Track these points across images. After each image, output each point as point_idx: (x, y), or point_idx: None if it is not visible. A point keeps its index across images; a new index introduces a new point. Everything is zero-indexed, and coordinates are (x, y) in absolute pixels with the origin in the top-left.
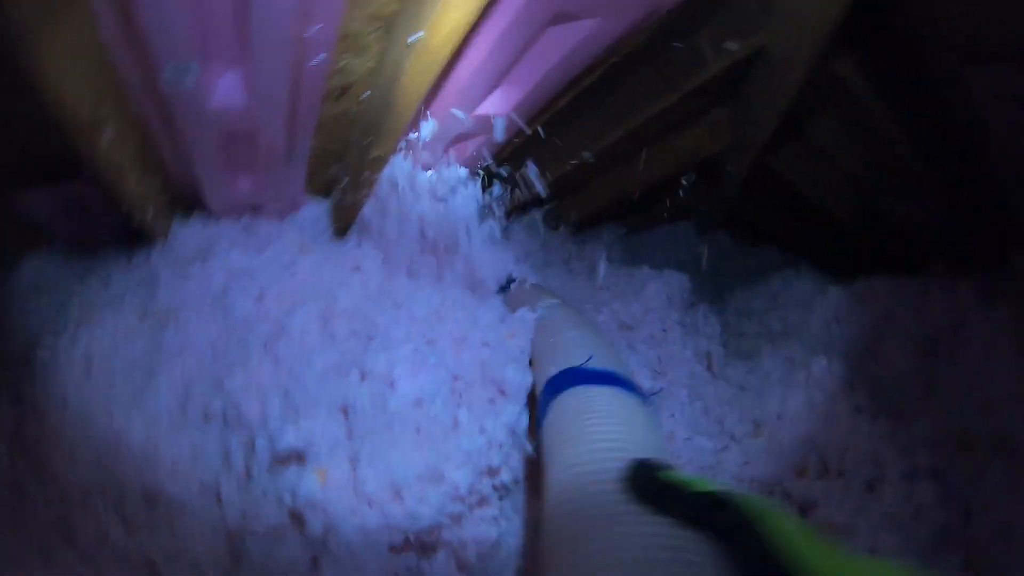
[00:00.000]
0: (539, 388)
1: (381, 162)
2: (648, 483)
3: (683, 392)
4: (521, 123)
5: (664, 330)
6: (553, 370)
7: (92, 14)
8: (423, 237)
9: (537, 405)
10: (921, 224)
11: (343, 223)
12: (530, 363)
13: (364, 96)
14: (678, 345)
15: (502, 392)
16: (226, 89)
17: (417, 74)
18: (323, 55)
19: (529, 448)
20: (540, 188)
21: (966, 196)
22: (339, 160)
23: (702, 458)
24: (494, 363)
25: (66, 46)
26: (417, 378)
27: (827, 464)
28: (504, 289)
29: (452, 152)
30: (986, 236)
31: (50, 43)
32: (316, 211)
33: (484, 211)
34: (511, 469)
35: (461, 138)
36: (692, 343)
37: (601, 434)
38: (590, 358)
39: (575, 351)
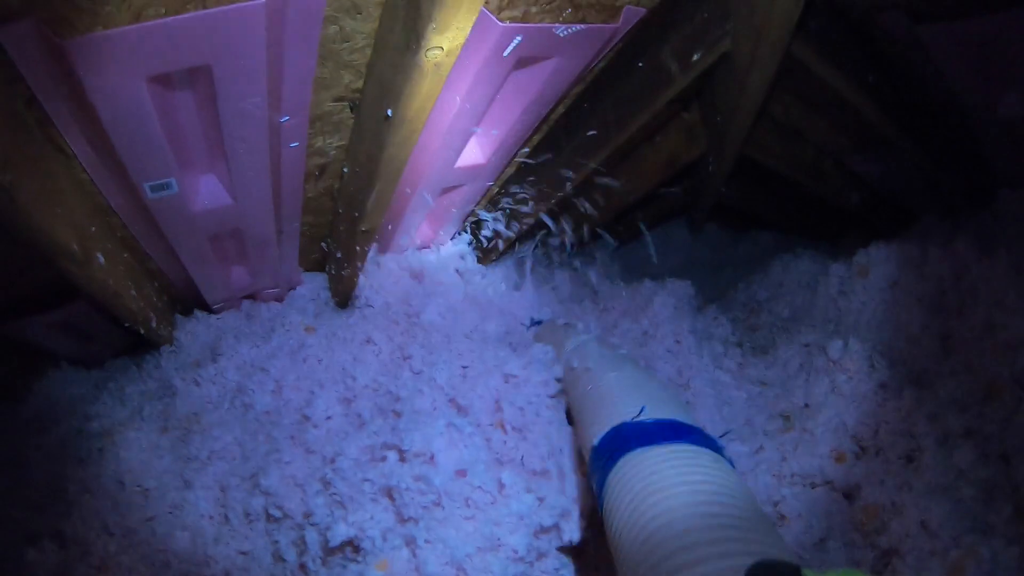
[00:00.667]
0: (586, 449)
1: (370, 235)
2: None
3: (709, 401)
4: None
5: (678, 341)
6: (599, 429)
7: (69, 155)
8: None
9: (589, 473)
10: (904, 183)
11: (343, 296)
12: (568, 415)
13: (344, 171)
14: (695, 354)
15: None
16: (208, 192)
17: (397, 145)
18: (297, 143)
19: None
20: (548, 221)
21: (941, 148)
22: (329, 235)
23: (740, 463)
24: (529, 420)
25: (48, 189)
26: (456, 449)
27: (862, 445)
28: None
29: (441, 212)
30: (970, 181)
31: (32, 191)
32: (314, 286)
33: (481, 260)
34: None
35: (448, 190)
36: (708, 348)
37: (684, 526)
38: (642, 410)
39: (622, 400)
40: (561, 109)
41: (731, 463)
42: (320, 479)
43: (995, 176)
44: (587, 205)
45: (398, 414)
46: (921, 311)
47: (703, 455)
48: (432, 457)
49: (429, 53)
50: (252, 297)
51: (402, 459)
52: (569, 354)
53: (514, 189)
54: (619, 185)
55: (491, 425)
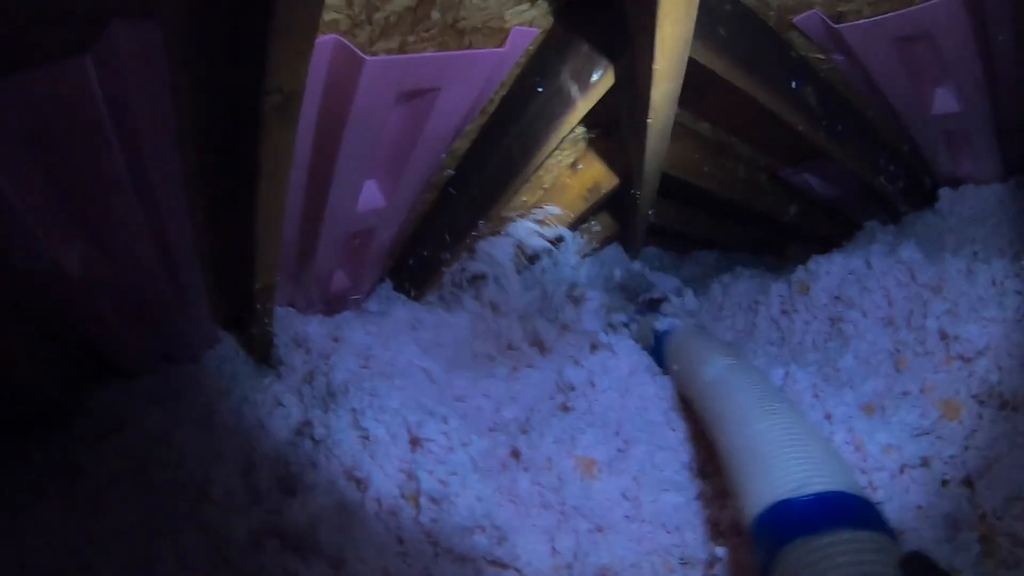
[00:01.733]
0: (741, 510)
1: (268, 292)
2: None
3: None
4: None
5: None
6: (757, 497)
7: None
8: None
9: (752, 540)
10: (842, 192)
11: (259, 353)
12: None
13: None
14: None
15: None
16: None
17: (266, 200)
18: None
19: None
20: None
21: (877, 152)
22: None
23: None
24: (453, 489)
25: None
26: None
27: None
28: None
29: (355, 260)
30: (911, 184)
31: None
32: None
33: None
34: None
35: (358, 236)
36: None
37: None
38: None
39: (781, 461)
40: (466, 143)
41: (893, 536)
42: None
43: (935, 176)
44: None
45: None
46: (868, 326)
47: (876, 544)
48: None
49: (269, 98)
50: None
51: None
52: (707, 384)
53: (429, 230)
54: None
55: (401, 497)
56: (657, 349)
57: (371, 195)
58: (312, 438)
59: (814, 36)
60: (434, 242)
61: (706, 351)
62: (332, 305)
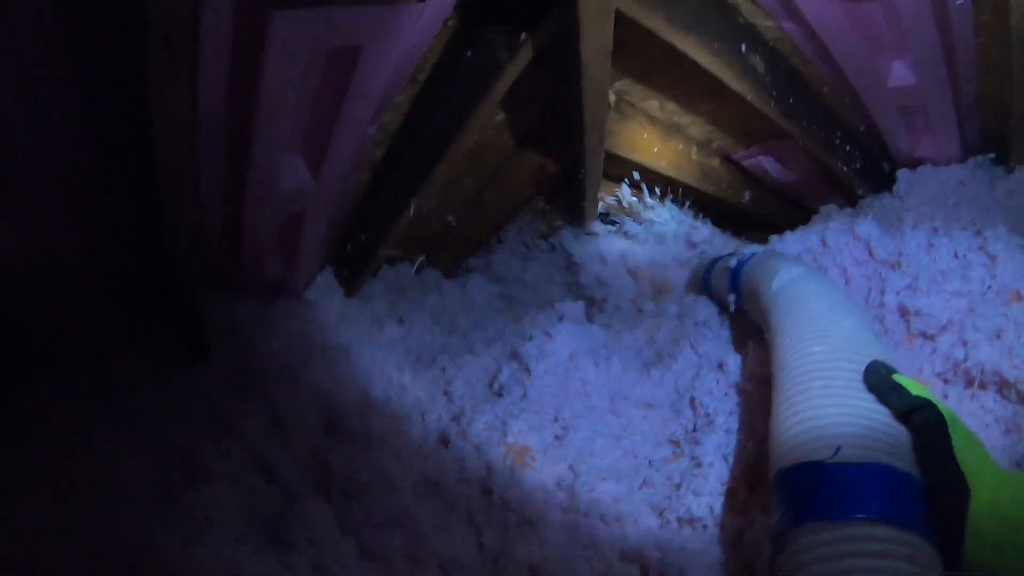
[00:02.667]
0: (772, 458)
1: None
2: (880, 379)
3: None
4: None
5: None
6: (786, 453)
7: None
8: None
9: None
10: (800, 175)
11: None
12: None
13: None
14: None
15: None
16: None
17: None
18: None
19: None
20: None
21: (833, 132)
22: None
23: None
24: None
25: None
26: None
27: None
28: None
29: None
30: (869, 165)
31: None
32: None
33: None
34: None
35: (288, 218)
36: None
37: None
38: (838, 449)
39: (827, 409)
40: (399, 117)
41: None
42: None
43: (893, 158)
44: (454, 220)
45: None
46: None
47: (920, 553)
48: None
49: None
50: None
51: None
52: (772, 296)
53: (367, 213)
54: (489, 202)
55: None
56: (734, 286)
57: (296, 172)
58: (225, 428)
59: (763, 4)
60: (371, 226)
61: (779, 263)
62: (269, 292)
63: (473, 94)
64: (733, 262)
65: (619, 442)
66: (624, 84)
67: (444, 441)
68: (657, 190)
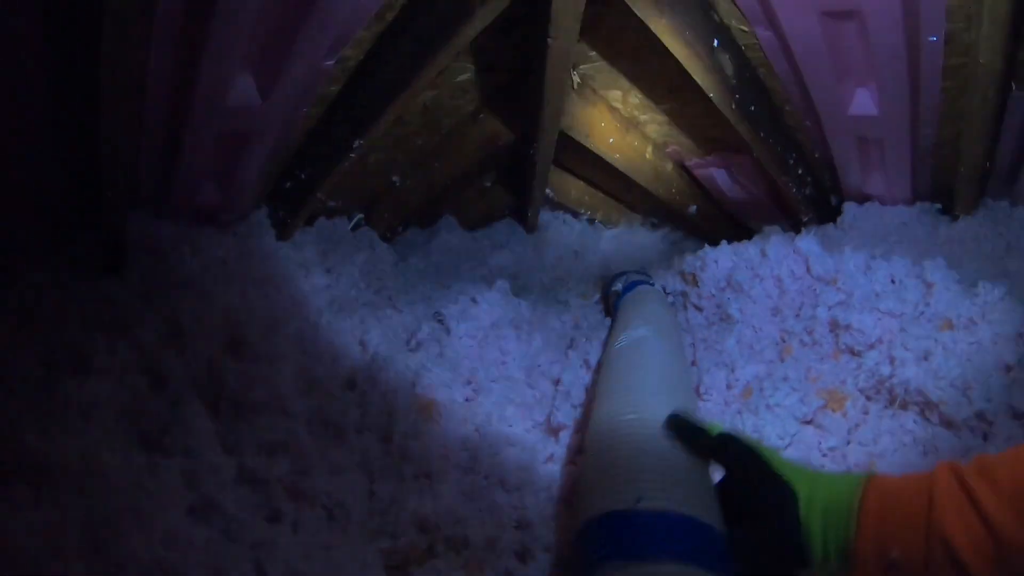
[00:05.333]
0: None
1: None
2: (681, 424)
3: None
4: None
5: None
6: (588, 504)
7: None
8: None
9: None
10: (747, 194)
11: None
12: None
13: None
14: None
15: None
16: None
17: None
18: None
19: None
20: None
21: (787, 154)
22: None
23: None
24: None
25: None
26: None
27: None
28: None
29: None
30: (818, 193)
31: None
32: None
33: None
34: None
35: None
36: None
37: None
38: (639, 500)
39: (628, 468)
40: (359, 54)
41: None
42: None
43: (842, 191)
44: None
45: None
46: (756, 312)
47: None
48: None
49: None
50: None
51: None
52: (612, 351)
53: (310, 150)
54: (438, 165)
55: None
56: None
57: (245, 90)
58: (122, 330)
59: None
60: (312, 164)
61: (633, 317)
62: (199, 219)
63: (438, 37)
64: (620, 285)
65: (530, 413)
66: (590, 68)
67: (350, 385)
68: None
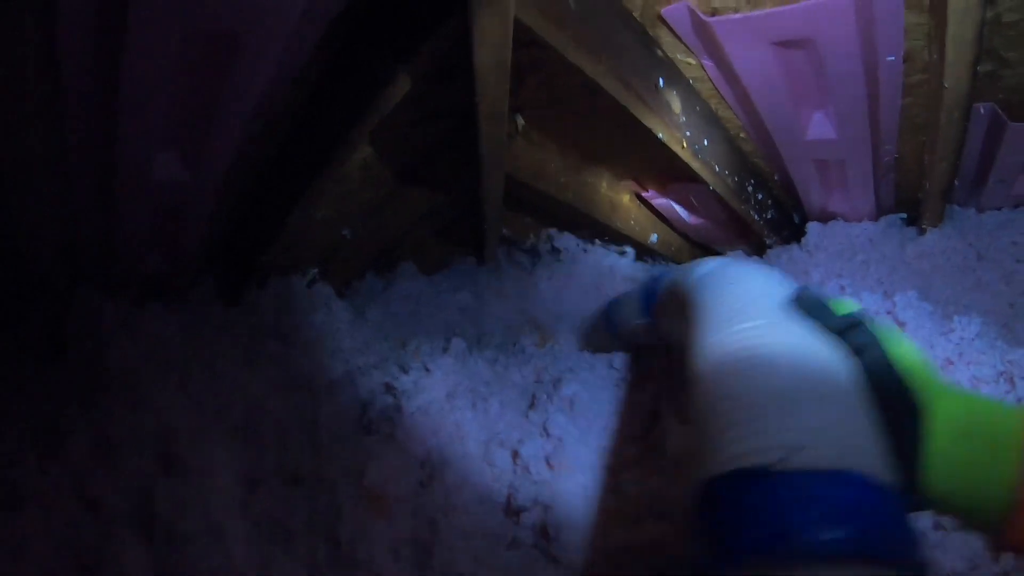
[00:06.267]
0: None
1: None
2: (808, 299)
3: None
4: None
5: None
6: (712, 460)
7: None
8: None
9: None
10: (706, 219)
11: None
12: None
13: None
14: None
15: None
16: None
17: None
18: None
19: None
20: None
21: (741, 174)
22: None
23: None
24: None
25: None
26: None
27: None
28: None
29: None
30: (782, 216)
31: None
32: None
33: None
34: None
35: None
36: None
37: None
38: (791, 453)
39: (767, 409)
40: (288, 117)
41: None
42: None
43: (805, 210)
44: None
45: None
46: None
47: None
48: None
49: None
50: None
51: None
52: (692, 284)
53: (251, 217)
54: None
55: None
56: (646, 307)
57: (169, 165)
58: (54, 445)
59: (683, 33)
60: (255, 231)
61: (701, 261)
62: (147, 290)
63: (357, 108)
64: (644, 286)
65: (489, 494)
66: (534, 112)
67: (296, 480)
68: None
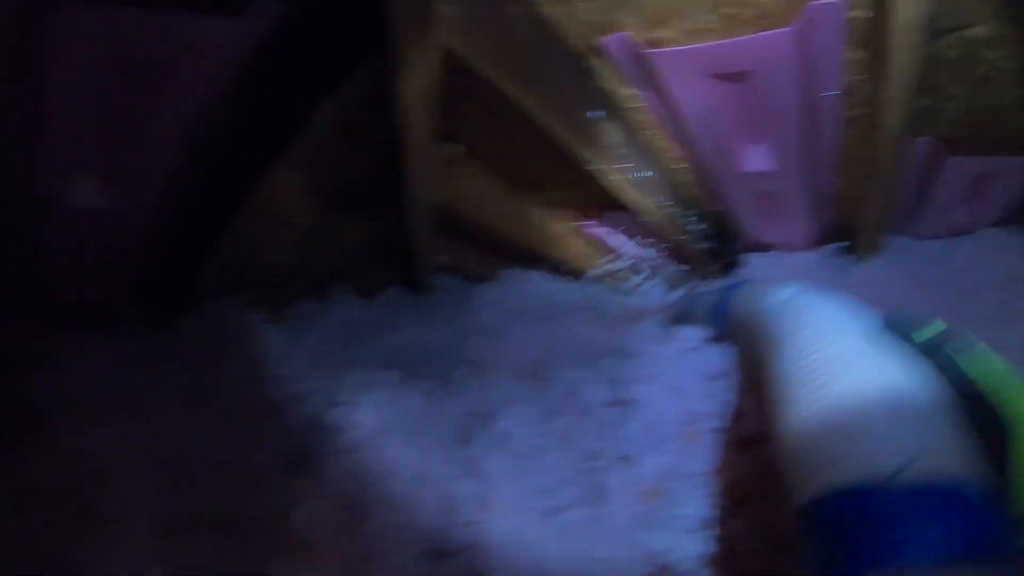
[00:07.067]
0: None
1: None
2: (895, 324)
3: None
4: None
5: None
6: (818, 480)
7: None
8: None
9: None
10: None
11: None
12: None
13: None
14: None
15: None
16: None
17: None
18: None
19: None
20: None
21: (680, 206)
22: None
23: None
24: None
25: None
26: None
27: None
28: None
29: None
30: (719, 243)
31: None
32: None
33: None
34: None
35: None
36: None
37: None
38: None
39: (868, 428)
40: (220, 141)
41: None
42: None
43: (744, 241)
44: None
45: None
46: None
47: None
48: None
49: None
50: None
51: None
52: (769, 310)
53: (177, 245)
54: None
55: None
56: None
57: (94, 191)
58: None
59: (621, 64)
60: (185, 253)
61: (774, 286)
62: (76, 320)
63: (285, 134)
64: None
65: (420, 537)
66: (469, 140)
67: (224, 523)
68: None
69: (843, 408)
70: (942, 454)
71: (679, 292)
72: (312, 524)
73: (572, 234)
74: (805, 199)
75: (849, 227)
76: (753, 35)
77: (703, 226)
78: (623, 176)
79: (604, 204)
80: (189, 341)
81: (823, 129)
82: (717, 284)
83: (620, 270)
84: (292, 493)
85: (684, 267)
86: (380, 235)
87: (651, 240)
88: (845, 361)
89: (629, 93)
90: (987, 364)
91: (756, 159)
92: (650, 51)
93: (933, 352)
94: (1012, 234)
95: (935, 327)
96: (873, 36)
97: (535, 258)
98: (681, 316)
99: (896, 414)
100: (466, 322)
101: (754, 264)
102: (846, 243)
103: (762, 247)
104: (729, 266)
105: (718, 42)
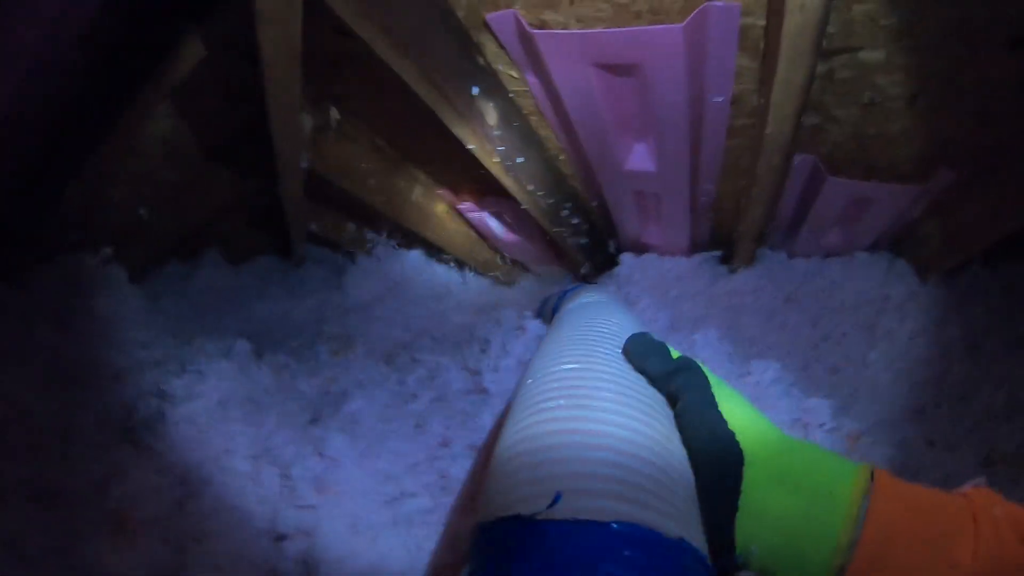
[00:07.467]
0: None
1: None
2: (642, 343)
3: None
4: None
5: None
6: (489, 506)
7: None
8: None
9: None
10: (522, 237)
11: None
12: None
13: None
14: None
15: None
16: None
17: None
18: None
19: None
20: None
21: (557, 197)
22: None
23: None
24: None
25: None
26: None
27: None
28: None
29: None
30: (595, 240)
31: None
32: None
33: None
34: None
35: None
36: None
37: None
38: (558, 497)
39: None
40: (70, 83)
41: None
42: None
43: (620, 240)
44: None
45: None
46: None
47: None
48: None
49: None
50: None
51: None
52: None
53: (33, 189)
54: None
55: None
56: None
57: None
58: None
59: (507, 43)
60: (37, 200)
61: (581, 292)
62: None
63: (148, 70)
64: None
65: (251, 519)
66: (348, 105)
67: (40, 494)
68: None
69: (536, 433)
70: (624, 489)
71: (551, 285)
72: (134, 499)
73: (449, 216)
74: (683, 204)
75: (726, 237)
76: (643, 27)
77: (579, 220)
78: (499, 160)
79: (484, 188)
80: (34, 294)
81: (708, 135)
82: (587, 281)
83: (496, 257)
84: (115, 466)
85: (558, 260)
86: (250, 195)
87: (527, 230)
88: (565, 378)
89: (515, 75)
90: (723, 394)
91: (637, 157)
92: (535, 31)
93: (668, 378)
94: (882, 259)
95: (672, 354)
96: (764, 43)
97: (413, 237)
98: (541, 311)
99: (585, 445)
100: (335, 298)
101: (626, 265)
102: (721, 252)
103: (640, 247)
104: (604, 264)
105: (607, 30)
